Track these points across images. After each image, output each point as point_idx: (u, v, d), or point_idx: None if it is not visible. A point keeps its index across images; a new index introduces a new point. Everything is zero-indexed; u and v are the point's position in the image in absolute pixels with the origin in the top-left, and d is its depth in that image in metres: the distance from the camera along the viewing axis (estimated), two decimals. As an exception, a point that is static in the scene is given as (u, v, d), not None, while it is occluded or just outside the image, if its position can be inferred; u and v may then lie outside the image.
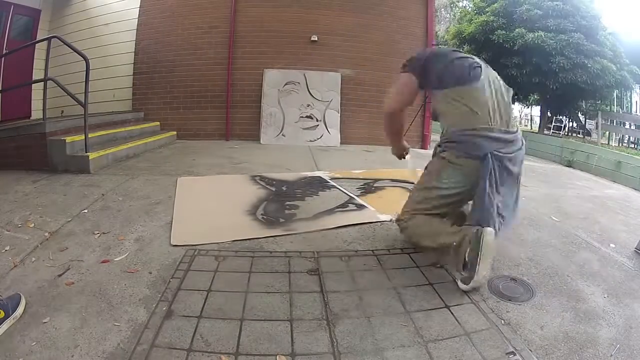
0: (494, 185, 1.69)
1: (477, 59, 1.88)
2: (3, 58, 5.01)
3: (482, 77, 1.79)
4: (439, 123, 2.00)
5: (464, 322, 1.43)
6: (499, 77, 1.91)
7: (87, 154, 3.45)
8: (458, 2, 16.54)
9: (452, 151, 1.79)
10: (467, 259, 1.64)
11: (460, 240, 1.66)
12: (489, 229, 1.60)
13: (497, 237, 1.71)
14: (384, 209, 2.58)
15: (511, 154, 1.73)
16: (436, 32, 11.34)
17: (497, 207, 1.71)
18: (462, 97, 1.77)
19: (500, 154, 1.70)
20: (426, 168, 1.97)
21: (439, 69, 1.82)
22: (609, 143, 10.31)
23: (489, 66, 1.90)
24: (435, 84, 1.86)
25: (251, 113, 5.88)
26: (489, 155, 1.67)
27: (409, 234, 1.95)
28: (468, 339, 1.33)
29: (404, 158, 2.29)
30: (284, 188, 3.10)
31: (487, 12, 9.71)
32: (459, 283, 1.66)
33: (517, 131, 1.83)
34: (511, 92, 1.92)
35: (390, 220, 2.34)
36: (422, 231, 1.85)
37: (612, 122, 9.81)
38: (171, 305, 1.45)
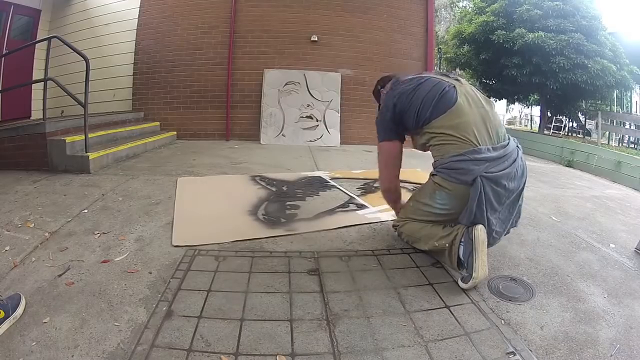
0: (488, 206, 1.67)
1: (447, 79, 1.87)
2: (3, 58, 5.02)
3: (457, 97, 1.77)
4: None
5: (464, 322, 1.43)
6: (475, 89, 1.90)
7: (87, 154, 3.45)
8: (458, 2, 16.54)
9: (442, 176, 1.77)
10: (462, 258, 1.65)
11: (452, 240, 1.69)
12: (479, 225, 1.63)
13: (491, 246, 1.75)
14: (385, 208, 2.58)
15: (504, 170, 1.69)
16: (436, 32, 11.35)
17: (491, 222, 1.72)
18: (443, 127, 1.76)
19: (491, 174, 1.66)
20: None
21: (412, 115, 1.82)
22: (609, 143, 10.30)
23: (462, 81, 1.90)
24: (413, 127, 1.87)
25: (251, 113, 5.89)
26: (479, 178, 1.64)
27: (405, 238, 2.01)
28: (468, 339, 1.33)
29: None
30: (284, 188, 3.10)
31: (487, 12, 9.71)
32: (459, 282, 1.67)
33: (508, 143, 1.78)
34: (493, 103, 1.90)
35: (391, 220, 2.35)
36: (417, 236, 1.90)
37: (612, 122, 9.80)
38: (171, 306, 1.45)
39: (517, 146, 1.83)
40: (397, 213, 2.20)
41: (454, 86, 1.82)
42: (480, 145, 1.70)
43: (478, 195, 1.64)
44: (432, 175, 1.86)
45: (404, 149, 2.04)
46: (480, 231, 1.61)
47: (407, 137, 2.03)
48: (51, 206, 2.50)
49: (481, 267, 1.58)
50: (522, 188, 1.81)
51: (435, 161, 1.85)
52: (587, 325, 1.45)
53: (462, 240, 1.66)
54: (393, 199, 2.17)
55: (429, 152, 1.92)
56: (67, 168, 3.42)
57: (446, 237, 1.73)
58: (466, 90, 1.85)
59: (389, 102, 1.92)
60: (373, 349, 1.27)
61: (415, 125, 1.85)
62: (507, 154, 1.73)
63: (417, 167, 3.64)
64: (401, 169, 2.07)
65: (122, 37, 5.94)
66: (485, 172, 1.65)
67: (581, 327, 1.44)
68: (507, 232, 1.92)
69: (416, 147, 2.02)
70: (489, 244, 1.72)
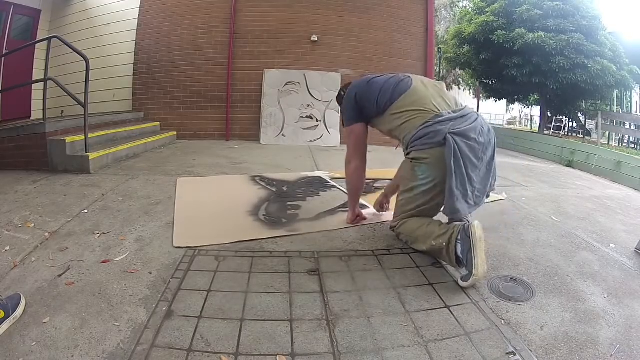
0: (467, 162, 1.75)
1: (402, 74, 2.11)
2: (3, 58, 5.02)
3: (413, 82, 1.99)
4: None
5: (464, 322, 1.43)
6: (428, 79, 2.15)
7: (87, 154, 3.45)
8: (458, 2, 16.54)
9: (415, 149, 1.87)
10: (460, 255, 1.65)
11: (449, 238, 1.71)
12: (476, 222, 1.64)
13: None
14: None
15: (469, 125, 1.81)
16: (436, 32, 11.35)
17: (472, 180, 1.79)
18: (404, 105, 1.94)
19: (458, 129, 1.77)
20: (399, 174, 2.19)
21: (372, 101, 2.02)
22: (609, 143, 10.30)
23: (417, 75, 2.13)
24: (374, 113, 2.05)
25: (251, 113, 5.89)
26: (449, 135, 1.74)
27: (404, 239, 2.02)
28: (468, 339, 1.33)
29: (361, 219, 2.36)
30: (284, 188, 3.10)
31: (487, 12, 9.71)
32: (459, 281, 1.66)
33: (465, 107, 1.96)
34: (443, 84, 2.17)
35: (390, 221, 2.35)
36: (415, 235, 1.91)
37: (612, 122, 9.80)
38: (171, 305, 1.45)
39: (475, 112, 1.99)
40: (352, 200, 2.35)
41: (409, 76, 2.05)
42: (440, 111, 1.87)
43: (453, 151, 1.72)
44: (406, 156, 1.97)
45: (393, 149, 2.14)
46: (476, 228, 1.61)
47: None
48: (51, 206, 2.50)
49: (480, 265, 1.58)
50: (494, 147, 1.92)
51: (405, 142, 1.95)
52: (587, 325, 1.45)
53: (459, 237, 1.66)
54: (359, 184, 2.30)
55: None
56: (67, 168, 3.42)
57: (443, 236, 1.74)
58: (420, 78, 2.10)
59: (351, 93, 2.12)
60: (373, 349, 1.27)
61: (377, 111, 2.02)
62: (466, 114, 1.89)
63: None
64: (391, 168, 2.15)
65: (122, 37, 5.94)
66: (452, 129, 1.77)
67: (581, 327, 1.44)
68: (488, 195, 2.00)
69: (385, 134, 2.15)
70: (475, 204, 1.83)
